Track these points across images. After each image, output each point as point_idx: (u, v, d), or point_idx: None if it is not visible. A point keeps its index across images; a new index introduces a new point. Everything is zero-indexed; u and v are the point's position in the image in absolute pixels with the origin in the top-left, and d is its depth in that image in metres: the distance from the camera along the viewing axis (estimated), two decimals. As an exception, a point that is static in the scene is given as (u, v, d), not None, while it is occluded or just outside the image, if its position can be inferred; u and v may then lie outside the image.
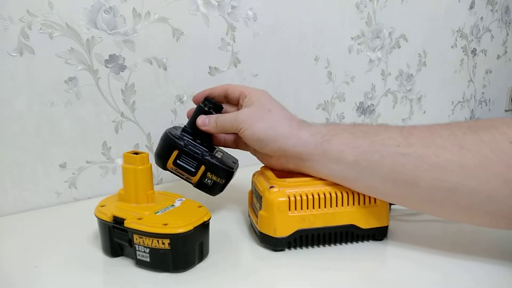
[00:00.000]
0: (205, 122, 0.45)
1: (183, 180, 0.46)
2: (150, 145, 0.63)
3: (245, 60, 0.71)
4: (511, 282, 0.34)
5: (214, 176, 0.45)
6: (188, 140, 0.45)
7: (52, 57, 0.52)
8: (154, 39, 0.60)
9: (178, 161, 0.44)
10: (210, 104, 0.46)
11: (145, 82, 0.61)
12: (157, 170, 0.64)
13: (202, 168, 0.44)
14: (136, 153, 0.39)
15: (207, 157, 0.44)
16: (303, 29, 0.78)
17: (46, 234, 0.45)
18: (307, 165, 0.41)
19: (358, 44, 0.88)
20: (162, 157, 0.45)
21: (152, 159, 0.63)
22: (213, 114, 0.45)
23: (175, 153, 0.44)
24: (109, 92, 0.58)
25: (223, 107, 0.47)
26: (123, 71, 0.58)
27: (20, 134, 0.52)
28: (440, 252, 0.39)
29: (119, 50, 0.57)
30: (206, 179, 0.45)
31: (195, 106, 0.47)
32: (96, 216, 0.38)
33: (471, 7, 1.12)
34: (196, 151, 0.44)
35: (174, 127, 0.49)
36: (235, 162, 0.49)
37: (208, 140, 0.47)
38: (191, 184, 0.46)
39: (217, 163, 0.45)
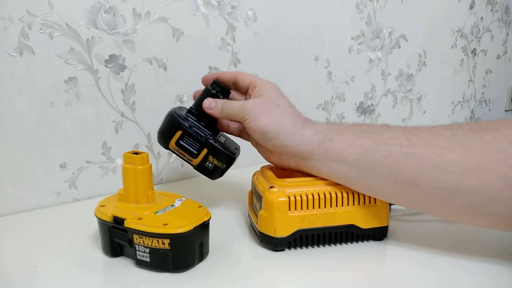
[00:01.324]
0: (211, 105, 0.44)
1: (183, 161, 0.46)
2: (150, 145, 0.63)
3: (245, 60, 0.71)
4: (511, 282, 0.34)
5: (215, 160, 0.45)
6: (193, 122, 0.45)
7: (52, 57, 0.52)
8: (154, 39, 0.60)
9: (181, 142, 0.44)
10: (218, 87, 0.45)
11: (145, 82, 0.61)
12: (157, 170, 0.64)
13: (204, 151, 0.44)
14: (136, 153, 0.39)
15: (210, 141, 0.44)
16: (303, 29, 0.78)
17: (46, 234, 0.45)
18: (308, 163, 0.41)
19: (358, 44, 0.88)
20: (165, 137, 0.45)
21: (152, 159, 0.63)
22: (220, 98, 0.45)
23: (178, 133, 0.44)
24: (109, 92, 0.58)
25: (230, 92, 0.47)
26: (123, 71, 0.58)
27: (20, 134, 0.52)
28: (440, 252, 0.39)
29: (119, 50, 0.57)
30: (207, 163, 0.45)
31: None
32: (96, 216, 0.38)
33: (471, 7, 1.12)
34: (200, 133, 0.44)
35: (179, 107, 0.49)
36: (237, 148, 0.49)
37: (212, 123, 0.46)
38: (191, 166, 0.46)
39: (219, 147, 0.44)
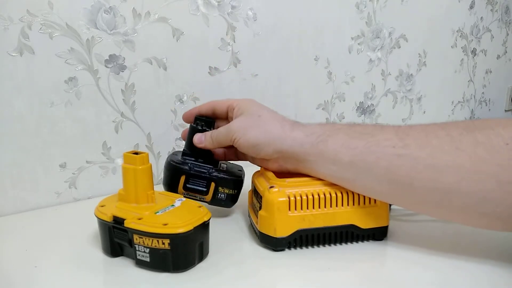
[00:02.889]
0: (201, 139, 0.45)
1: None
2: (150, 145, 0.63)
3: (245, 60, 0.71)
4: (510, 283, 0.34)
5: (226, 189, 0.46)
6: (191, 162, 0.46)
7: (52, 57, 0.52)
8: (154, 39, 0.60)
9: (188, 185, 0.45)
10: (202, 121, 0.47)
11: (145, 82, 0.61)
12: (157, 170, 0.64)
13: (212, 185, 0.45)
14: (136, 153, 0.39)
15: (214, 174, 0.45)
16: (303, 29, 0.78)
17: (46, 234, 0.45)
18: (305, 165, 0.41)
19: (358, 44, 0.88)
20: (171, 185, 0.46)
21: (152, 159, 0.63)
22: (206, 130, 0.46)
23: (182, 178, 0.45)
24: (109, 92, 0.58)
25: (215, 121, 0.47)
26: (123, 71, 0.58)
27: (20, 134, 0.52)
28: (440, 252, 0.39)
29: (119, 50, 0.57)
30: (219, 194, 0.46)
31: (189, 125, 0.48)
32: (96, 216, 0.38)
33: (471, 7, 1.12)
34: (202, 171, 0.45)
35: (173, 153, 0.50)
36: (241, 170, 0.50)
37: (209, 156, 0.47)
38: (206, 203, 0.46)
39: (225, 176, 0.45)
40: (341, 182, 0.40)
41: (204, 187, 0.45)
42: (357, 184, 0.39)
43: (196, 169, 0.45)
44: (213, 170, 0.45)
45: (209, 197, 0.46)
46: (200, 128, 0.46)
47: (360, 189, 0.39)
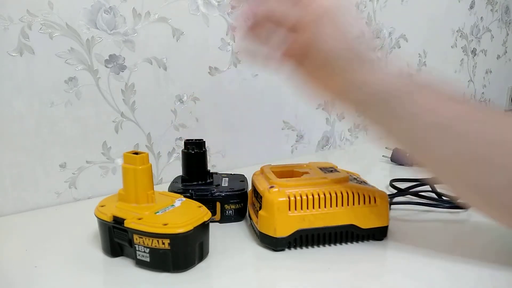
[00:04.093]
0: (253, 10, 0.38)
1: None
2: (150, 145, 0.63)
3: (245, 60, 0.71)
4: (510, 284, 0.34)
5: (232, 205, 0.46)
6: (192, 187, 0.46)
7: (52, 57, 0.52)
8: (154, 39, 0.60)
9: None
10: (192, 145, 0.47)
11: (145, 82, 0.61)
12: (157, 170, 0.64)
13: (218, 204, 0.46)
14: (136, 153, 0.39)
15: (217, 193, 0.45)
16: (303, 29, 0.78)
17: (46, 234, 0.45)
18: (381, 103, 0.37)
19: (358, 44, 0.88)
20: None
21: (152, 159, 0.63)
22: (198, 152, 0.47)
23: None
24: (109, 92, 0.58)
25: (204, 142, 0.48)
26: (123, 71, 0.58)
27: (20, 134, 0.52)
28: (439, 253, 0.39)
29: (119, 50, 0.57)
30: (227, 211, 0.46)
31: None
32: (96, 216, 0.38)
33: (471, 7, 1.12)
34: (204, 194, 0.45)
35: (173, 181, 0.50)
36: (243, 180, 0.50)
37: (206, 173, 0.47)
38: (217, 222, 0.46)
39: (228, 193, 0.46)
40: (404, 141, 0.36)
41: (211, 209, 0.45)
42: (434, 151, 0.34)
43: (198, 193, 0.45)
44: (215, 190, 0.46)
45: (217, 217, 0.46)
46: (192, 152, 0.47)
47: (434, 156, 0.35)
